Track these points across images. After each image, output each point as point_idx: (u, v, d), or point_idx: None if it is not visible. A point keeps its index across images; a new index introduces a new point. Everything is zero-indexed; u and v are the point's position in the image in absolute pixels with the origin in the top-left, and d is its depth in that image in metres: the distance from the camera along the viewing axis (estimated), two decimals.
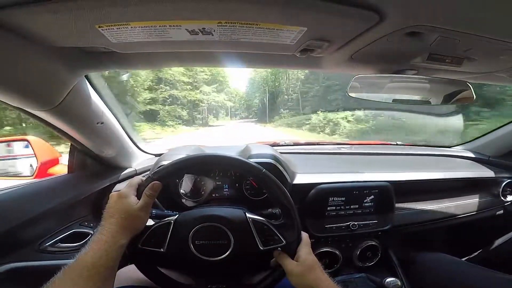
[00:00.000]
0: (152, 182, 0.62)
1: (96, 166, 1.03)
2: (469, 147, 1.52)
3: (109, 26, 0.48)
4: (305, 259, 0.63)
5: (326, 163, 1.27)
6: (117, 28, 0.49)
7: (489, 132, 1.44)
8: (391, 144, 1.59)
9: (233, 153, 0.75)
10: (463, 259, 1.10)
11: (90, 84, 0.78)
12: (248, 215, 0.66)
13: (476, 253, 1.25)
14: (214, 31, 0.50)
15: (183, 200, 0.98)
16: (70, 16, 0.45)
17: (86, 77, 0.76)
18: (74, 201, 0.89)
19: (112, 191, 1.00)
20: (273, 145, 1.40)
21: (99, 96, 0.82)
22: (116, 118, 0.93)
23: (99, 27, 0.48)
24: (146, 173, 1.09)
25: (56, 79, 0.64)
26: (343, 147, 1.45)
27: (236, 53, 0.65)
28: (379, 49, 0.58)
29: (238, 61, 0.70)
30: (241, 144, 1.21)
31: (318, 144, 1.54)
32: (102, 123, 0.86)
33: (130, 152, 1.09)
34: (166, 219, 0.65)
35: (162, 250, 0.63)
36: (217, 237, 0.64)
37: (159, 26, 0.48)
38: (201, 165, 0.68)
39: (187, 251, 0.64)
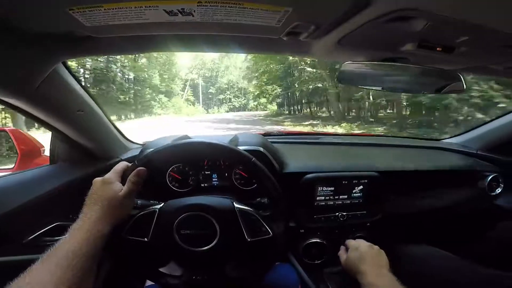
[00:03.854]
0: (138, 168, 0.61)
1: (80, 156, 0.99)
2: (457, 140, 1.53)
3: (80, 9, 0.45)
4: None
5: (317, 153, 1.26)
6: (90, 11, 0.45)
7: (477, 126, 1.46)
8: (381, 136, 1.59)
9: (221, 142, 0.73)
10: (450, 252, 1.11)
11: (68, 71, 0.74)
12: (236, 205, 0.65)
13: (462, 247, 1.26)
14: (194, 11, 0.47)
15: (170, 191, 0.97)
16: None
17: (64, 63, 0.72)
18: (57, 193, 0.86)
19: None
20: (265, 134, 1.39)
21: (79, 84, 0.79)
22: (98, 106, 0.90)
23: (70, 10, 0.45)
24: None
25: (29, 66, 0.60)
26: (334, 138, 1.44)
27: (219, 36, 0.62)
28: (368, 35, 0.56)
29: (222, 45, 0.67)
30: (231, 133, 1.19)
31: (309, 134, 1.54)
32: (82, 111, 0.82)
33: (115, 141, 1.06)
34: (151, 207, 0.64)
35: (146, 239, 0.62)
36: (202, 226, 0.63)
37: (135, 7, 0.45)
38: (187, 152, 0.66)
39: (172, 241, 0.63)
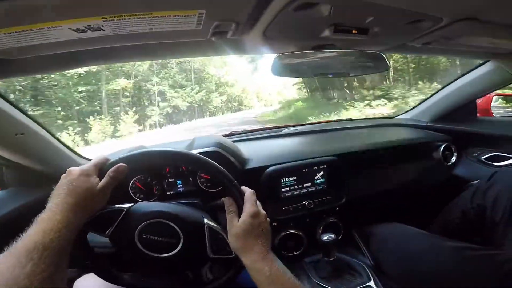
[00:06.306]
0: (119, 164, 0.59)
1: (31, 179, 0.95)
2: (409, 115, 1.59)
3: None
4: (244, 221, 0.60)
5: (278, 146, 1.28)
6: None
7: (425, 99, 1.52)
8: (338, 120, 1.64)
9: (179, 148, 0.72)
10: (418, 227, 1.12)
11: None
12: (206, 221, 0.65)
13: (429, 221, 1.27)
14: (103, 26, 0.46)
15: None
16: None
17: None
18: (13, 217, 0.82)
19: None
20: (228, 135, 1.39)
21: (11, 105, 0.74)
22: (41, 126, 0.86)
23: None
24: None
25: None
26: (294, 129, 1.47)
27: (146, 45, 0.61)
28: (287, 25, 0.58)
29: (151, 53, 0.66)
30: (189, 138, 1.18)
31: (272, 128, 1.55)
32: (22, 133, 0.78)
33: (66, 160, 1.02)
34: (120, 205, 0.62)
35: (104, 233, 0.60)
36: (166, 234, 0.63)
37: (37, 29, 0.43)
38: (161, 158, 0.66)
39: (131, 242, 0.61)
